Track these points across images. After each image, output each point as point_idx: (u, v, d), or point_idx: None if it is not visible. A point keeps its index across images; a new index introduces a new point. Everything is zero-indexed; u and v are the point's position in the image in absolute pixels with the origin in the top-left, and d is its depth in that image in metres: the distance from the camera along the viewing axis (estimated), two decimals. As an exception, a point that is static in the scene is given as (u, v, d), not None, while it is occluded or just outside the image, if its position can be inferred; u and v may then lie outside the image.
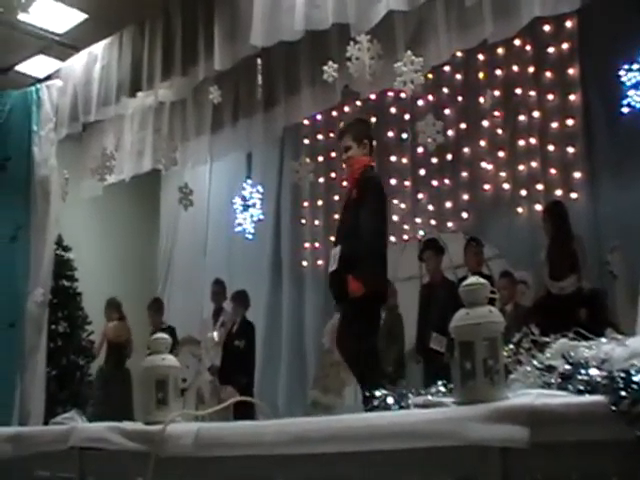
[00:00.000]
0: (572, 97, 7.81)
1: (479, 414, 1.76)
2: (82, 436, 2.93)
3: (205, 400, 8.40)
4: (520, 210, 8.06)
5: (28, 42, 7.96)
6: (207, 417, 2.90)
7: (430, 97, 8.72)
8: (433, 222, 8.76)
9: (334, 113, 9.00)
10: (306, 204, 9.80)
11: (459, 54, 7.27)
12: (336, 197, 9.26)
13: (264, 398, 8.31)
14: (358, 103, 8.87)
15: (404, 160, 9.11)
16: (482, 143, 8.44)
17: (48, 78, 7.47)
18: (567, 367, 1.86)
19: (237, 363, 7.84)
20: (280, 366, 9.42)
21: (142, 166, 6.86)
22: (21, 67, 8.47)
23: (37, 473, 3.12)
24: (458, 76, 8.68)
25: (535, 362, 1.99)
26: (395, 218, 8.97)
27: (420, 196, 8.94)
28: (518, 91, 8.22)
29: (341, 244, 4.79)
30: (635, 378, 1.57)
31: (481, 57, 8.38)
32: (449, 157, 8.62)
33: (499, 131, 8.34)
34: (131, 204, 10.78)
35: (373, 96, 8.08)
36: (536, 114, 8.06)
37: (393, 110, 9.19)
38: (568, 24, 7.76)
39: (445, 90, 8.77)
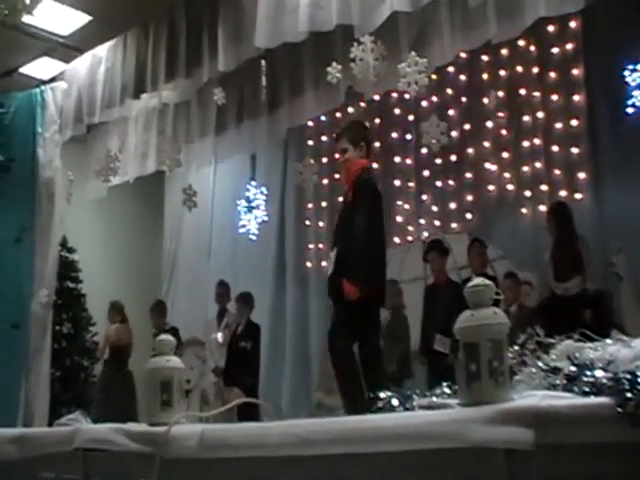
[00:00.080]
0: (576, 97, 7.79)
1: (484, 416, 1.76)
2: (87, 437, 2.93)
3: (209, 401, 8.41)
4: (524, 211, 8.04)
5: (32, 44, 7.97)
6: (211, 418, 2.90)
7: (434, 98, 8.71)
8: (437, 223, 8.75)
9: (338, 114, 9.00)
10: (310, 205, 9.80)
11: (463, 55, 7.25)
12: (340, 198, 9.17)
13: (268, 399, 8.30)
14: (362, 104, 8.88)
15: (408, 161, 9.10)
16: (486, 144, 8.42)
17: (52, 80, 7.50)
18: (572, 368, 1.85)
19: (243, 364, 7.83)
20: (284, 367, 9.41)
21: (146, 168, 6.87)
22: (25, 69, 8.48)
23: (42, 474, 3.12)
24: (462, 77, 8.67)
25: (540, 363, 1.98)
26: (399, 219, 8.97)
27: (424, 197, 8.92)
28: (522, 92, 8.20)
29: (337, 248, 4.81)
30: (641, 379, 1.57)
31: (485, 58, 8.37)
32: (453, 158, 8.61)
33: (503, 132, 8.32)
34: (135, 205, 10.79)
35: (377, 97, 8.08)
36: (540, 115, 8.04)
37: (397, 111, 9.18)
38: (572, 24, 7.74)
39: (449, 91, 8.75)
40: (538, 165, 8.00)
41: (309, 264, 9.68)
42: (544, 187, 7.91)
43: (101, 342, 9.41)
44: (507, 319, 1.94)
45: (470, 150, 8.56)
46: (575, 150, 7.74)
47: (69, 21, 7.68)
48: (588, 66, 7.70)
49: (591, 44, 7.62)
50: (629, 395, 1.55)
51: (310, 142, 9.73)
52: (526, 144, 8.14)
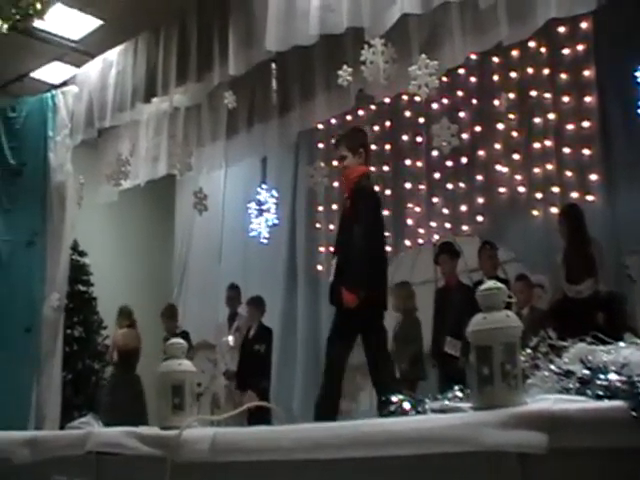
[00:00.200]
0: (588, 99, 7.76)
1: (497, 419, 1.75)
2: (99, 441, 2.93)
3: (221, 405, 8.41)
4: (536, 213, 8.01)
5: (44, 49, 8.01)
6: (223, 422, 2.89)
7: (445, 100, 8.70)
8: (448, 226, 8.72)
9: (349, 117, 9.00)
10: (321, 208, 9.79)
11: (474, 57, 7.25)
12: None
13: (280, 402, 8.29)
14: (373, 107, 8.88)
15: (419, 163, 9.09)
16: (497, 146, 8.40)
17: (64, 84, 7.53)
18: (585, 372, 1.84)
19: (256, 367, 7.82)
20: (296, 370, 9.41)
21: (157, 171, 6.90)
22: (37, 74, 8.53)
23: (54, 477, 3.12)
24: (473, 79, 8.65)
25: (553, 367, 1.97)
26: (410, 222, 8.95)
27: (435, 200, 8.90)
28: (533, 93, 8.18)
29: (337, 255, 4.82)
30: (655, 383, 1.55)
31: (496, 59, 8.35)
32: (464, 160, 8.59)
33: (514, 134, 8.30)
34: (146, 209, 10.82)
35: (388, 100, 8.09)
36: (551, 116, 8.01)
37: (408, 114, 9.17)
38: (583, 25, 7.71)
39: (460, 93, 8.74)
40: (550, 167, 7.97)
41: (320, 267, 9.66)
42: (556, 189, 7.88)
43: (110, 346, 9.43)
44: (520, 322, 1.93)
45: (481, 152, 8.54)
46: (587, 152, 7.71)
47: (80, 26, 7.72)
48: (599, 67, 7.67)
49: (602, 45, 7.58)
50: (643, 399, 1.53)
51: (321, 145, 9.73)
52: (537, 146, 8.11)
